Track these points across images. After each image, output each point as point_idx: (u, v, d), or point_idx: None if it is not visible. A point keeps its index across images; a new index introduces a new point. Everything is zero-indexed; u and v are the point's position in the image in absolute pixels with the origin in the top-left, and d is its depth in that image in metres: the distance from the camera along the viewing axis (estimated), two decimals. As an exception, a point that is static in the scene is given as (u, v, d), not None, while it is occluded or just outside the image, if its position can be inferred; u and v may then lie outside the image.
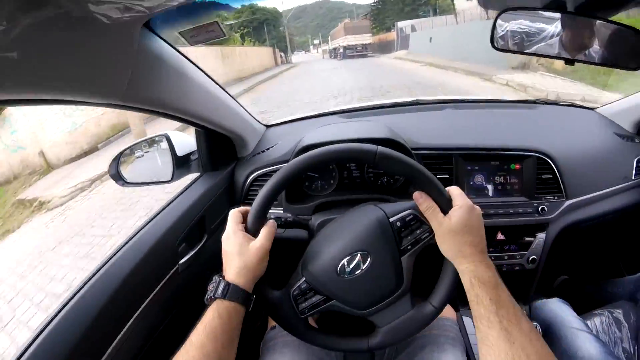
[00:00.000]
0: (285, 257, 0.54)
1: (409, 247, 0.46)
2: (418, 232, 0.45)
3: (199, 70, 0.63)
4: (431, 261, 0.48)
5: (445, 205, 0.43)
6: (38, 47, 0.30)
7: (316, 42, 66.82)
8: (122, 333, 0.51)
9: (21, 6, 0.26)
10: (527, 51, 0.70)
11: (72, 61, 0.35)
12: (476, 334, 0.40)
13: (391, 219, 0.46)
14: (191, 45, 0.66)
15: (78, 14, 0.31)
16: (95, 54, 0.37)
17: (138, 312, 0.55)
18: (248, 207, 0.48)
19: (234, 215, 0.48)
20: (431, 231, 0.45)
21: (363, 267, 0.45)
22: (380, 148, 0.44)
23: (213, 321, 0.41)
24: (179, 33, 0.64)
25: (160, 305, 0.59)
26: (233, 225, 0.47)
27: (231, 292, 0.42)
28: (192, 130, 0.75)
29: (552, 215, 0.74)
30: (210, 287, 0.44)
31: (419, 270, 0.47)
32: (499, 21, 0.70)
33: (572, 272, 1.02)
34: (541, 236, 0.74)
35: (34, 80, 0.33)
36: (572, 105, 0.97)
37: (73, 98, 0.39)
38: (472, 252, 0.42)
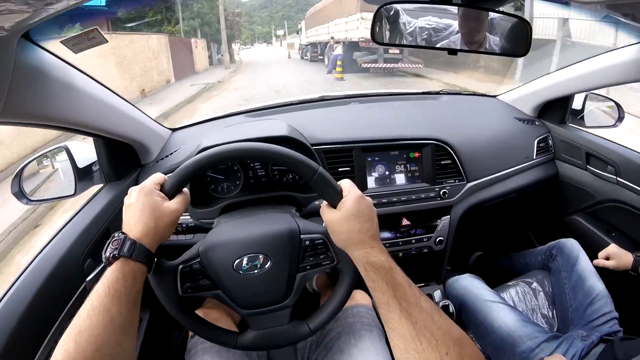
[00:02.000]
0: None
1: (308, 267, 0.47)
2: (321, 257, 0.48)
3: (89, 78, 0.61)
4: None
5: (336, 198, 0.45)
6: None
7: (280, 32, 52.28)
8: (38, 354, 0.49)
9: None
10: (435, 45, 0.73)
11: None
12: (382, 318, 0.41)
13: (302, 236, 0.48)
14: (75, 53, 0.64)
15: None
16: None
17: (49, 336, 0.52)
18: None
19: (155, 175, 0.46)
20: (332, 260, 0.47)
21: (260, 270, 0.46)
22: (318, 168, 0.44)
23: (117, 283, 0.38)
24: (61, 42, 0.62)
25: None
26: (150, 184, 0.44)
27: (137, 251, 0.40)
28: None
29: (454, 198, 0.79)
30: (113, 244, 0.40)
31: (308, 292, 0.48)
32: (407, 17, 0.74)
33: (486, 248, 1.09)
34: (446, 218, 0.79)
35: None
36: (474, 94, 1.04)
37: None
38: (362, 238, 0.42)
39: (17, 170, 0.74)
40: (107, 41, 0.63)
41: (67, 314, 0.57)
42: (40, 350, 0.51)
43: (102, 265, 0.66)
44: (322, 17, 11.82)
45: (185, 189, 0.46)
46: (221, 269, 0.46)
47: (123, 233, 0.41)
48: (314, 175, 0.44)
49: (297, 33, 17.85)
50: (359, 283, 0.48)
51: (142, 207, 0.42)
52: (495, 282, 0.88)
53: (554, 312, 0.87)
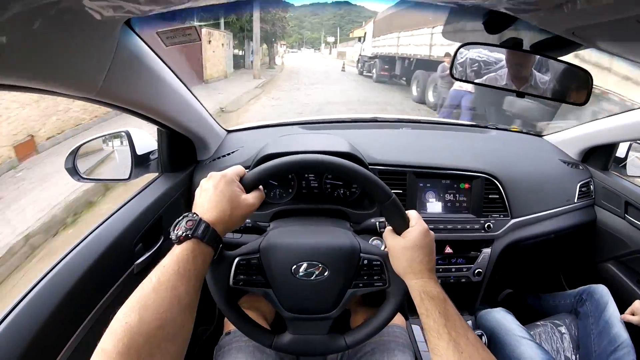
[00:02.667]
0: None
1: (360, 284, 0.49)
2: (375, 277, 0.49)
3: (172, 73, 0.63)
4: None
5: (403, 226, 0.46)
6: (25, 34, 0.30)
7: (331, 39, 48.28)
8: (76, 334, 0.50)
9: None
10: (479, 81, 0.75)
11: (55, 52, 0.35)
12: (427, 344, 0.42)
13: (362, 254, 0.49)
14: (166, 46, 0.66)
15: (67, 5, 0.31)
16: (78, 46, 0.37)
17: (92, 312, 0.53)
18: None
19: (237, 167, 0.47)
20: (384, 283, 0.49)
21: (316, 278, 0.47)
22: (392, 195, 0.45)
23: (187, 262, 0.38)
24: (157, 33, 0.64)
25: (115, 306, 0.57)
26: (232, 174, 0.45)
27: (211, 235, 0.40)
28: (152, 128, 0.74)
29: (498, 232, 0.79)
30: (187, 224, 0.39)
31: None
32: (461, 49, 0.75)
33: (516, 286, 1.08)
34: (487, 251, 0.79)
35: (18, 67, 0.32)
36: (521, 132, 1.05)
37: (52, 88, 0.39)
38: (422, 269, 0.44)
39: (74, 147, 0.75)
40: (201, 39, 0.65)
41: (113, 292, 0.58)
42: (83, 324, 0.52)
43: (151, 251, 0.67)
44: (408, 22, 7.11)
45: (261, 187, 0.47)
46: (279, 269, 0.47)
47: (197, 215, 0.41)
48: (387, 200, 0.45)
49: (359, 40, 12.41)
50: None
51: (221, 194, 0.42)
52: (523, 320, 0.87)
53: (577, 356, 0.86)
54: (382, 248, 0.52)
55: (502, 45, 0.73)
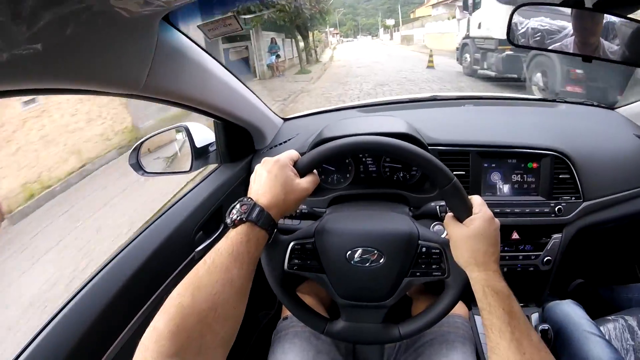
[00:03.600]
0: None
1: (418, 273, 0.47)
2: (433, 266, 0.47)
3: (218, 64, 0.64)
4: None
5: (465, 212, 0.44)
6: (61, 39, 0.31)
7: (390, 22, 38.77)
8: (136, 317, 0.53)
9: (44, 2, 0.27)
10: (547, 47, 0.69)
11: (93, 53, 0.36)
12: (487, 342, 0.40)
13: (420, 242, 0.47)
14: (210, 38, 0.68)
15: (98, 9, 0.32)
16: (116, 46, 0.38)
17: (153, 297, 0.56)
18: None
19: (290, 152, 0.46)
20: (443, 273, 0.47)
21: (371, 265, 0.46)
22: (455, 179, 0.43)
23: (241, 245, 0.38)
24: (198, 26, 0.66)
25: None
26: (285, 158, 0.44)
27: (265, 218, 0.40)
28: (211, 122, 0.77)
29: (569, 216, 0.73)
30: (242, 208, 0.39)
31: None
32: (519, 18, 0.70)
33: (587, 275, 1.00)
34: (557, 237, 0.73)
35: (59, 71, 0.34)
36: (592, 104, 0.95)
37: (95, 88, 0.41)
38: (486, 261, 0.42)
39: (136, 144, 0.80)
40: (242, 28, 0.66)
41: (175, 277, 0.61)
42: (143, 309, 0.54)
43: (211, 239, 0.70)
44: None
45: (315, 171, 0.46)
46: (333, 254, 0.47)
47: (251, 199, 0.41)
48: (449, 184, 0.43)
49: (464, 9, 6.12)
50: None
51: (274, 178, 0.42)
52: (594, 313, 0.81)
53: None
54: (444, 235, 0.49)
55: (562, 4, 0.67)
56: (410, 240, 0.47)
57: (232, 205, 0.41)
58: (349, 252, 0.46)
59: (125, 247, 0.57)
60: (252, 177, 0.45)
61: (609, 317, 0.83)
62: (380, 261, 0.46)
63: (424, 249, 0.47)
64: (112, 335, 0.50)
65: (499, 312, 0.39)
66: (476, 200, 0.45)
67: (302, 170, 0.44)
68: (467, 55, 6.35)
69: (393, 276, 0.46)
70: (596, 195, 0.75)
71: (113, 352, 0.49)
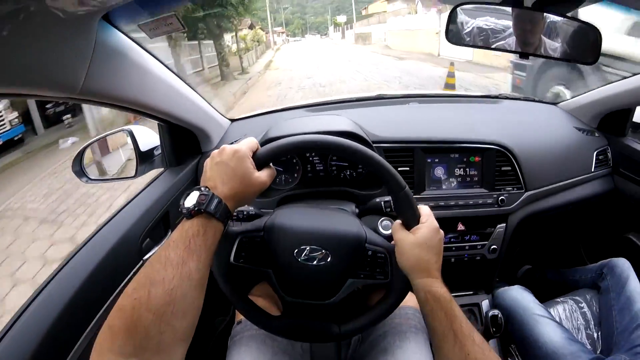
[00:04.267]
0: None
1: (361, 275, 0.47)
2: (377, 270, 0.47)
3: (161, 64, 0.62)
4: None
5: (414, 221, 0.45)
6: None
7: (341, 19, 37.53)
8: (87, 331, 0.51)
9: None
10: (491, 46, 0.72)
11: (27, 55, 0.34)
12: (432, 345, 0.42)
13: (367, 245, 0.48)
14: (150, 38, 0.66)
15: (35, 8, 0.30)
16: (52, 47, 0.36)
17: (103, 309, 0.54)
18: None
19: (250, 141, 0.44)
20: (386, 277, 0.48)
21: (317, 264, 0.46)
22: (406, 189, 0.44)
23: (198, 237, 0.36)
24: (138, 26, 0.63)
25: None
26: (246, 149, 0.43)
27: (222, 211, 0.38)
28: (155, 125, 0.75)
29: (512, 206, 0.76)
30: (200, 198, 0.38)
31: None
32: (465, 17, 0.72)
33: (535, 261, 1.05)
34: (501, 226, 0.77)
35: None
36: (534, 100, 1.00)
37: (29, 92, 0.39)
38: (429, 268, 0.43)
39: (80, 150, 0.76)
40: (184, 27, 0.64)
41: (122, 289, 0.58)
42: (94, 321, 0.52)
43: (159, 246, 0.67)
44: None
45: (272, 165, 0.45)
46: (281, 250, 0.47)
47: (208, 189, 0.39)
48: (400, 192, 0.44)
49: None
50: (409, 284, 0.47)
51: (233, 170, 0.41)
52: (543, 296, 0.85)
53: (599, 333, 0.84)
54: (389, 232, 0.50)
55: (502, 3, 0.70)
56: (358, 242, 0.48)
57: (187, 192, 0.39)
58: (297, 249, 0.46)
59: (70, 259, 0.54)
60: (208, 163, 0.42)
61: (558, 299, 0.87)
62: (327, 260, 0.46)
63: (369, 252, 0.48)
64: (63, 353, 0.47)
65: (441, 316, 0.41)
66: (424, 210, 0.47)
67: (259, 162, 0.43)
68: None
69: (338, 276, 0.47)
70: (538, 185, 0.79)
71: None
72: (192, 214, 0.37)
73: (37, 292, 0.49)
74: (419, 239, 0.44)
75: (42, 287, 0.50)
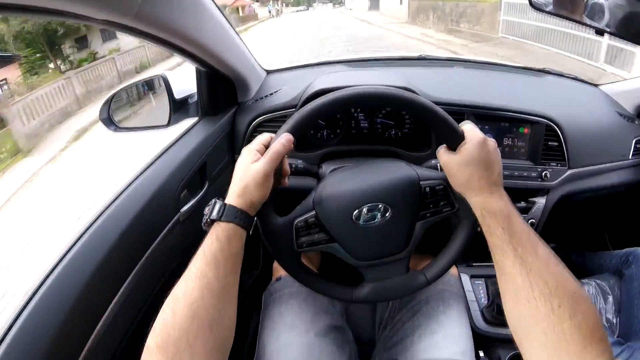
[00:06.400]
0: (289, 206, 0.51)
1: (428, 214, 0.46)
2: (442, 203, 0.46)
3: (214, 3, 0.58)
4: (441, 235, 0.48)
5: (456, 140, 0.43)
6: None
7: None
8: (127, 281, 0.49)
9: None
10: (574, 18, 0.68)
11: None
12: (494, 265, 0.40)
13: (422, 182, 0.46)
14: None
15: None
16: None
17: (140, 262, 0.52)
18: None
19: (262, 136, 0.44)
20: (453, 206, 0.46)
21: (379, 220, 0.44)
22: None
23: (212, 245, 0.38)
24: None
25: (162, 256, 0.57)
26: (254, 144, 0.43)
27: (227, 212, 0.39)
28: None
29: (554, 182, 0.75)
30: (206, 210, 0.40)
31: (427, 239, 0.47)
32: None
33: (560, 241, 1.05)
34: (542, 201, 0.75)
35: None
36: (576, 79, 0.98)
37: (83, 12, 0.35)
38: (482, 184, 0.41)
39: (108, 96, 0.73)
40: None
41: (159, 242, 0.56)
42: (133, 272, 0.51)
43: (196, 198, 0.65)
44: None
45: (276, 145, 0.42)
46: (339, 220, 0.45)
47: (219, 198, 0.41)
48: (436, 115, 0.42)
49: None
50: None
51: (237, 168, 0.42)
52: None
53: (619, 319, 0.85)
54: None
55: None
56: (412, 184, 0.46)
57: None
58: (354, 213, 0.44)
59: (105, 210, 0.52)
60: None
61: (583, 280, 0.87)
62: (388, 214, 0.44)
63: (427, 189, 0.45)
64: (104, 301, 0.46)
65: (499, 232, 0.39)
66: (466, 126, 0.44)
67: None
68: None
69: (405, 225, 0.45)
70: (580, 164, 0.77)
71: (108, 318, 0.46)
72: (205, 226, 0.40)
73: (74, 241, 0.47)
74: (464, 156, 0.42)
75: (79, 236, 0.47)
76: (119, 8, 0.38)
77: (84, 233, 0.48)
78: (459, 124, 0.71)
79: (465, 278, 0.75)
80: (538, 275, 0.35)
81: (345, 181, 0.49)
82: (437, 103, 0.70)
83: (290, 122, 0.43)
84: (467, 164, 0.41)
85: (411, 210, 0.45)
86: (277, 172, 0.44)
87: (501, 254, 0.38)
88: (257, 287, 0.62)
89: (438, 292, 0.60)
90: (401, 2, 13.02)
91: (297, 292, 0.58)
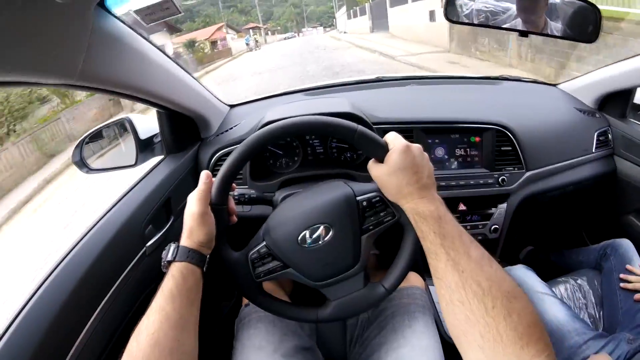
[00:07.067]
0: (251, 235, 0.54)
1: (371, 227, 0.47)
2: (382, 214, 0.47)
3: (158, 51, 0.62)
4: (391, 243, 0.49)
5: (381, 151, 0.44)
6: None
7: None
8: (93, 317, 0.51)
9: None
10: (490, 24, 0.72)
11: (23, 42, 0.34)
12: (430, 268, 0.40)
13: (358, 198, 0.47)
14: (146, 24, 0.65)
15: None
16: (49, 34, 0.36)
17: (107, 296, 0.54)
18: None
19: (205, 183, 0.47)
20: (394, 215, 0.46)
21: (324, 240, 0.46)
22: (359, 127, 0.44)
23: (168, 283, 0.41)
24: (134, 12, 0.63)
25: (129, 288, 0.59)
26: (198, 192, 0.46)
27: (180, 253, 0.43)
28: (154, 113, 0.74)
29: (513, 186, 0.76)
30: (163, 254, 0.44)
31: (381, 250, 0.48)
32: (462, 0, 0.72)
33: (538, 243, 1.05)
34: (502, 206, 0.77)
35: None
36: (535, 81, 1.00)
37: (26, 79, 0.38)
38: (411, 190, 0.42)
39: (79, 140, 0.76)
40: (181, 12, 0.63)
41: (127, 274, 0.59)
42: (100, 307, 0.53)
43: (162, 232, 0.68)
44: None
45: (200, 186, 0.46)
46: (287, 247, 0.47)
47: (174, 242, 0.45)
48: (355, 134, 0.44)
49: None
50: (413, 266, 0.48)
51: (185, 215, 0.46)
52: (546, 277, 0.85)
53: (602, 312, 0.84)
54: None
55: None
56: (348, 200, 0.47)
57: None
58: (299, 237, 0.46)
59: (75, 245, 0.55)
60: None
61: (560, 279, 0.87)
62: (330, 233, 0.46)
63: (364, 203, 0.47)
64: (71, 340, 0.48)
65: (431, 236, 0.39)
66: (389, 136, 0.45)
67: (214, 201, 0.46)
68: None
69: (350, 241, 0.46)
70: (538, 165, 0.79)
71: (77, 351, 0.48)
72: (164, 269, 0.44)
73: (41, 282, 0.49)
74: (391, 165, 0.42)
75: (46, 276, 0.50)
76: (60, 73, 0.42)
77: (55, 268, 0.50)
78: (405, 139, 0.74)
79: (433, 290, 0.76)
80: (470, 276, 0.35)
81: (291, 208, 0.51)
82: (385, 122, 0.74)
83: (224, 166, 0.46)
84: (394, 172, 0.42)
85: (353, 225, 0.46)
86: (223, 211, 0.47)
87: (434, 258, 0.38)
88: (233, 315, 0.64)
89: (404, 306, 0.61)
90: (432, 18, 7.88)
91: (265, 315, 0.59)
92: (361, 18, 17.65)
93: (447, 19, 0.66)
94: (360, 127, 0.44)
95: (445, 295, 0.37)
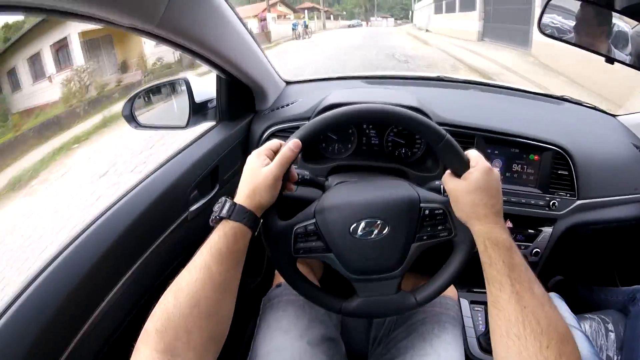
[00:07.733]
0: (288, 215, 0.53)
1: (425, 237, 0.46)
2: (439, 227, 0.46)
3: (234, 14, 0.61)
4: (435, 258, 0.49)
5: (462, 168, 0.43)
6: None
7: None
8: (128, 273, 0.51)
9: None
10: (576, 42, 0.71)
11: None
12: (487, 296, 0.40)
13: (422, 204, 0.46)
14: None
15: None
16: None
17: (145, 254, 0.54)
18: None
19: (273, 141, 0.46)
20: (450, 233, 0.46)
21: (376, 236, 0.45)
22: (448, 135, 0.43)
23: (219, 241, 0.39)
24: None
25: (167, 250, 0.59)
26: (262, 148, 0.45)
27: (236, 212, 0.41)
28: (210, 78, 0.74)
29: (562, 212, 0.74)
30: (216, 207, 0.42)
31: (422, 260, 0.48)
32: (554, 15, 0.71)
33: (568, 273, 1.03)
34: (548, 230, 0.75)
35: None
36: (595, 108, 0.97)
37: (104, 15, 0.37)
38: (486, 213, 0.41)
39: (131, 95, 0.76)
40: None
41: (167, 237, 0.58)
42: (137, 264, 0.53)
43: (206, 199, 0.67)
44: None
45: (285, 150, 0.44)
46: (337, 231, 0.45)
47: (225, 197, 0.43)
48: (442, 141, 0.43)
49: None
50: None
51: (246, 170, 0.44)
52: (572, 310, 0.83)
53: (620, 357, 0.82)
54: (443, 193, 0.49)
55: (592, 2, 0.68)
56: (412, 204, 0.46)
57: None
58: (352, 225, 0.45)
59: (117, 202, 0.54)
60: None
61: (587, 315, 0.85)
62: (385, 231, 0.45)
63: (426, 212, 0.46)
64: (103, 291, 0.48)
65: (499, 265, 0.38)
66: (472, 153, 0.45)
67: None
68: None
69: (400, 244, 0.46)
70: (590, 195, 0.76)
71: (104, 309, 0.47)
72: (213, 223, 0.42)
73: (80, 232, 0.49)
74: (471, 184, 0.41)
75: (85, 227, 0.50)
76: (143, 15, 0.41)
77: (94, 221, 0.50)
78: (467, 146, 0.72)
79: (464, 303, 0.74)
80: (532, 313, 0.35)
81: (348, 194, 0.50)
82: (448, 124, 0.72)
83: (299, 131, 0.45)
84: (474, 190, 0.41)
85: (408, 230, 0.46)
86: (285, 178, 0.45)
87: (498, 287, 0.38)
88: (257, 293, 0.64)
89: (435, 315, 0.60)
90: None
91: (295, 299, 0.59)
92: (458, 15, 11.08)
93: (541, 31, 0.65)
94: (449, 137, 0.43)
95: (502, 327, 0.36)
